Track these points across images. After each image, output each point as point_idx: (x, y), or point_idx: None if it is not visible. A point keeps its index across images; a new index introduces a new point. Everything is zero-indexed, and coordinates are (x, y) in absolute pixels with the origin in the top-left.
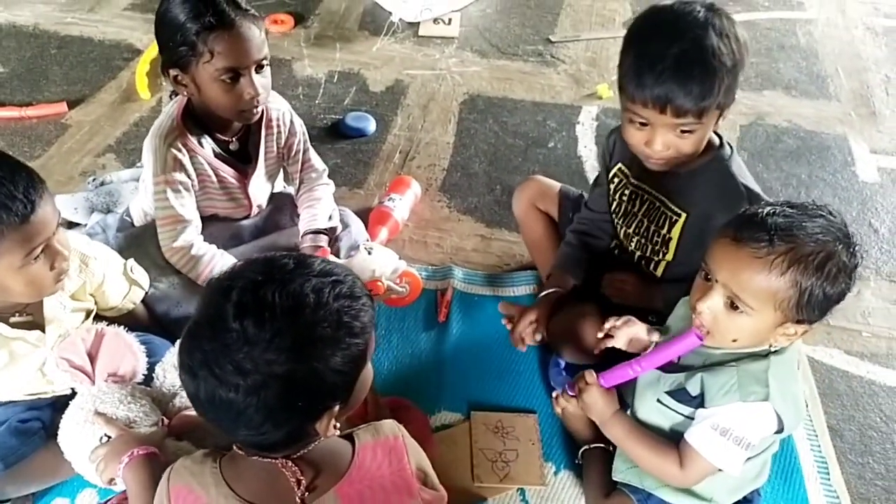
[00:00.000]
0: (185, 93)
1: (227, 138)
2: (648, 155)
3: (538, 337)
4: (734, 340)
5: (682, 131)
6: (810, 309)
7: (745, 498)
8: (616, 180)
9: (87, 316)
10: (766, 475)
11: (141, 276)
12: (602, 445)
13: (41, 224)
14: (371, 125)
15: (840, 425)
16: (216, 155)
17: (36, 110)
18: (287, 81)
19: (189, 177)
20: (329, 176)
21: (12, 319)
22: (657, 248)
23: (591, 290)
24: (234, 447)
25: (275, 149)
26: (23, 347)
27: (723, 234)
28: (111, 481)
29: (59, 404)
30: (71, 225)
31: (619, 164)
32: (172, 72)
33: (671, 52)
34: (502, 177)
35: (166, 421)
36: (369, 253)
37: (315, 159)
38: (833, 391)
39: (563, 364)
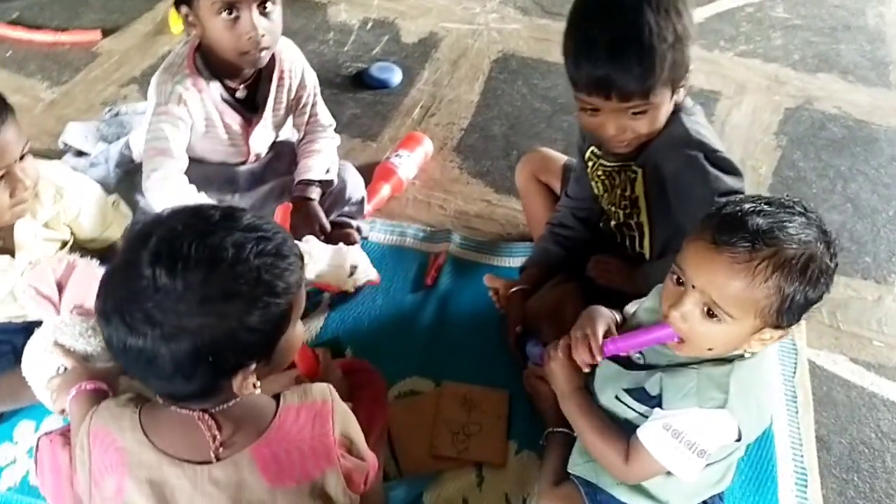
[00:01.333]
0: (195, 32)
1: (234, 85)
2: (606, 140)
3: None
4: (710, 349)
5: (634, 113)
6: (790, 314)
7: (704, 503)
8: (590, 163)
9: (63, 246)
10: (729, 481)
11: (125, 210)
12: (567, 430)
13: (1, 149)
14: (396, 77)
15: (830, 437)
16: (223, 99)
17: (70, 36)
18: (319, 26)
19: (191, 116)
20: (344, 127)
21: None
22: (628, 211)
23: (575, 270)
24: (156, 396)
25: (284, 100)
26: None
27: (699, 235)
28: (63, 412)
29: (33, 330)
30: (80, 153)
31: (592, 147)
32: (183, 9)
33: (605, 37)
34: (521, 142)
35: None
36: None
37: (322, 114)
38: (830, 400)
39: (539, 342)
